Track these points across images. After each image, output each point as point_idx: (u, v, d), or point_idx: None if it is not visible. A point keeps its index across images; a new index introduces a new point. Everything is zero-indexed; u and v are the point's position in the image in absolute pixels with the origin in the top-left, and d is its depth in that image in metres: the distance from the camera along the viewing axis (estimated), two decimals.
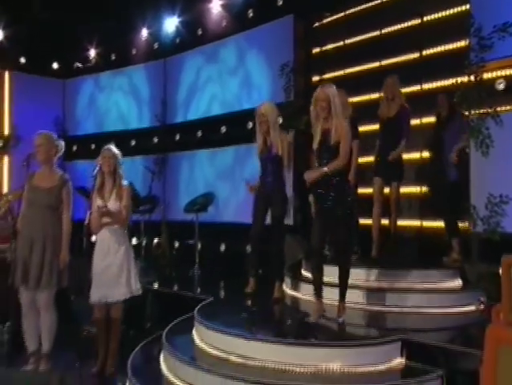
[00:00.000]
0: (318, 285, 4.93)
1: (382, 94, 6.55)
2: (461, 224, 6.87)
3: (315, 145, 4.80)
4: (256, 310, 5.59)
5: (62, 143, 5.39)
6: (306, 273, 6.27)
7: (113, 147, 5.31)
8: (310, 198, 5.63)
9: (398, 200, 6.48)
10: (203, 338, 4.74)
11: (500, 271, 5.74)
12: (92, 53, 11.56)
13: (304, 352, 4.28)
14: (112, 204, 5.02)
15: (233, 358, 4.32)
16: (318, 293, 4.85)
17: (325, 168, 4.60)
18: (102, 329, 5.09)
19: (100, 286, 4.89)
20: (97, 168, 5.24)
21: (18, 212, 7.29)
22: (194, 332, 4.95)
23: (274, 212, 5.82)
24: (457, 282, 5.96)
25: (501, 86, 6.28)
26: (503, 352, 3.06)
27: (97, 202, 5.06)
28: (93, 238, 5.39)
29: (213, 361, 4.36)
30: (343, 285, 4.92)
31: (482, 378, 3.32)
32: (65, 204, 5.16)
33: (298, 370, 4.16)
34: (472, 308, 5.62)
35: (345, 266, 4.92)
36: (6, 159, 11.18)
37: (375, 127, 7.38)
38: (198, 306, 5.30)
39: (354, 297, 5.42)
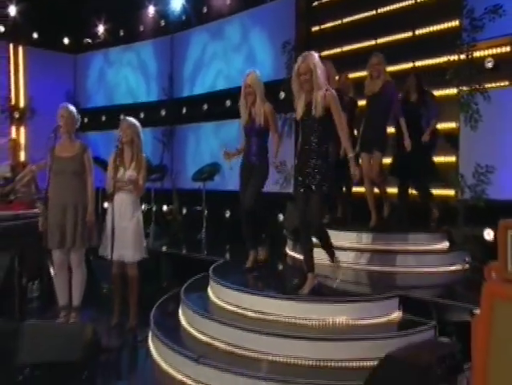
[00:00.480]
0: (308, 261, 4.74)
1: (367, 72, 6.22)
2: (447, 192, 7.00)
3: (298, 116, 4.56)
4: (264, 271, 5.69)
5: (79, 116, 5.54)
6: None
7: (131, 119, 5.45)
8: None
9: (381, 170, 6.18)
10: (218, 294, 4.95)
11: (484, 234, 6.14)
12: (101, 29, 11.38)
13: (312, 307, 4.45)
14: (131, 173, 5.15)
15: (247, 312, 4.52)
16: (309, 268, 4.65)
17: (351, 155, 4.45)
18: (119, 285, 5.27)
19: (117, 247, 4.96)
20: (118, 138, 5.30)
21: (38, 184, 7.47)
22: (209, 289, 5.17)
23: (253, 182, 5.45)
24: (445, 244, 6.12)
25: (489, 64, 6.33)
26: (497, 305, 3.06)
27: (118, 170, 5.12)
28: (105, 204, 5.58)
29: (228, 315, 4.56)
30: (325, 250, 4.90)
31: (477, 329, 3.45)
32: (87, 169, 5.33)
33: (307, 323, 4.34)
34: (458, 267, 5.88)
35: (316, 236, 4.74)
36: (22, 130, 11.13)
37: None
38: (212, 266, 5.48)
39: (353, 258, 5.71)
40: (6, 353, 4.66)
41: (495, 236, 6.17)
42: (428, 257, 5.98)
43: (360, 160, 6.10)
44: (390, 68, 7.20)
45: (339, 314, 4.42)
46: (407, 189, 6.66)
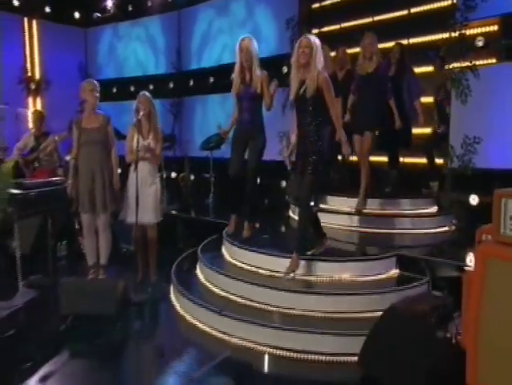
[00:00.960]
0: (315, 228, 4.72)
1: (360, 51, 5.89)
2: (437, 161, 7.07)
3: (292, 96, 4.41)
4: (273, 232, 5.95)
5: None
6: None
7: (147, 93, 5.46)
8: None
9: (368, 151, 5.85)
10: (232, 254, 5.13)
11: (470, 199, 6.27)
12: (110, 4, 11.22)
13: (321, 266, 4.64)
14: (149, 141, 5.29)
15: (259, 270, 4.72)
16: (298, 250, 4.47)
17: (343, 139, 4.36)
18: (140, 246, 5.41)
19: (138, 211, 5.09)
20: (135, 111, 5.37)
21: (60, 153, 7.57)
22: (223, 249, 5.34)
23: (253, 150, 5.23)
24: (434, 208, 6.42)
25: (480, 43, 6.32)
26: (490, 263, 3.20)
27: (138, 139, 5.19)
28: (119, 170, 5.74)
29: (242, 272, 4.76)
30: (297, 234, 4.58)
31: (470, 283, 3.58)
32: (111, 139, 5.42)
33: (317, 279, 4.58)
34: (446, 228, 6.12)
35: (301, 216, 4.59)
36: (38, 100, 11.08)
37: None
38: (226, 228, 5.54)
39: (352, 221, 5.83)
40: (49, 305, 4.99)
41: (480, 201, 6.39)
42: (418, 219, 6.14)
43: (354, 140, 5.84)
44: (386, 45, 7.31)
45: (344, 272, 4.63)
46: (396, 157, 6.64)
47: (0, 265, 5.65)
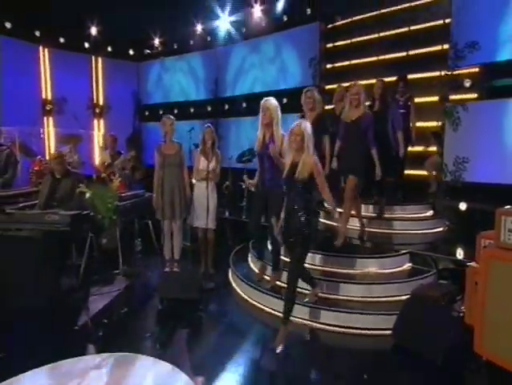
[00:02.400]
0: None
1: (348, 100, 5.26)
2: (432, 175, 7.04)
3: (284, 175, 3.90)
4: None
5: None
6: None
7: (211, 126, 5.63)
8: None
9: (353, 197, 5.26)
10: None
11: (459, 206, 6.50)
12: (157, 42, 11.31)
13: (351, 261, 4.90)
14: (213, 164, 5.44)
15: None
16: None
17: (332, 209, 3.94)
18: (202, 244, 5.62)
19: (201, 218, 5.39)
20: (201, 140, 5.55)
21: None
22: (269, 244, 5.25)
23: (272, 208, 4.55)
24: (430, 213, 6.49)
25: (467, 84, 6.53)
26: (492, 263, 3.57)
27: (202, 161, 5.45)
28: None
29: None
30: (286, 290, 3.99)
31: (471, 276, 3.96)
32: (183, 162, 5.59)
33: (348, 272, 4.82)
34: (440, 229, 6.30)
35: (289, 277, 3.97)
36: (102, 122, 11.35)
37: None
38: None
39: (369, 223, 5.84)
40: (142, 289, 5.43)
41: (467, 207, 6.53)
42: (417, 222, 6.28)
43: (342, 185, 5.41)
44: (387, 79, 7.09)
45: (368, 266, 4.91)
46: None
47: (95, 257, 5.82)
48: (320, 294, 4.50)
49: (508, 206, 3.69)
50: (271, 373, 3.58)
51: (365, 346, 4.03)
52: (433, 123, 7.28)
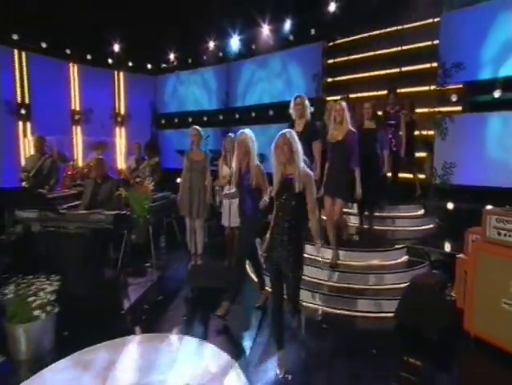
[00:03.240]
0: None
1: (331, 117, 4.96)
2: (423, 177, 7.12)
3: (274, 193, 3.25)
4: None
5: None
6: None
7: (232, 135, 5.44)
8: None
9: (341, 217, 5.04)
10: None
11: (447, 205, 6.70)
12: (173, 58, 11.42)
13: (359, 254, 5.06)
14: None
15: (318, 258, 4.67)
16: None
17: (318, 243, 3.27)
18: (230, 239, 5.61)
19: (228, 217, 5.40)
20: (223, 147, 5.61)
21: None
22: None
23: (242, 240, 4.35)
24: (421, 212, 6.63)
25: (454, 99, 6.78)
26: (480, 255, 3.81)
27: (225, 169, 5.49)
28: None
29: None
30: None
31: (461, 266, 4.16)
32: (207, 168, 5.66)
33: (356, 264, 4.98)
34: (430, 226, 6.45)
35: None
36: (123, 130, 11.50)
37: None
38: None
39: (366, 221, 5.77)
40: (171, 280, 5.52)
41: (454, 206, 6.73)
42: (410, 220, 6.43)
43: (325, 203, 4.97)
44: (380, 93, 7.53)
45: (373, 258, 5.07)
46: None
47: (127, 251, 5.88)
48: (331, 284, 4.71)
49: (491, 206, 3.97)
50: (294, 350, 3.66)
51: (372, 326, 4.24)
52: (424, 132, 7.34)
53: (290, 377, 3.20)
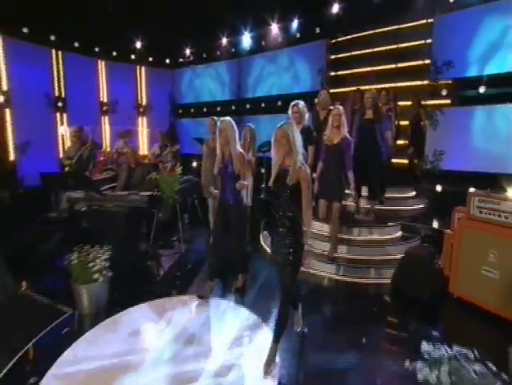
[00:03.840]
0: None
1: (330, 120, 4.77)
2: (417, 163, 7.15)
3: (271, 183, 3.01)
4: None
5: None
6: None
7: (252, 125, 5.79)
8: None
9: (338, 217, 4.85)
10: None
11: (436, 188, 6.87)
12: (188, 53, 11.52)
13: (359, 229, 5.27)
14: (250, 155, 5.55)
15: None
16: None
17: (307, 230, 2.95)
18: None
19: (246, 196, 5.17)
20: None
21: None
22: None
23: (233, 228, 4.09)
24: (413, 193, 6.79)
25: (444, 93, 6.92)
26: (464, 231, 4.08)
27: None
28: None
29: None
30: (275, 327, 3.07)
31: (450, 242, 4.34)
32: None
33: (358, 238, 5.21)
34: (422, 205, 6.61)
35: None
36: (145, 119, 11.62)
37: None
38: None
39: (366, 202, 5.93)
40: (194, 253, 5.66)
41: (442, 189, 6.89)
42: (404, 200, 6.58)
43: (320, 206, 4.94)
44: (379, 86, 7.42)
45: (373, 234, 5.29)
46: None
47: (156, 227, 5.97)
48: (336, 255, 4.93)
49: (474, 189, 4.18)
50: (303, 314, 3.65)
51: (373, 290, 4.54)
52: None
53: (305, 330, 3.44)
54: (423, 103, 7.14)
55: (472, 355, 2.12)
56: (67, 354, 3.16)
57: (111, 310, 3.89)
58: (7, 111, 8.41)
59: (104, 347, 3.26)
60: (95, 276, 3.83)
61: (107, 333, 3.50)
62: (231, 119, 3.97)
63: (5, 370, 2.94)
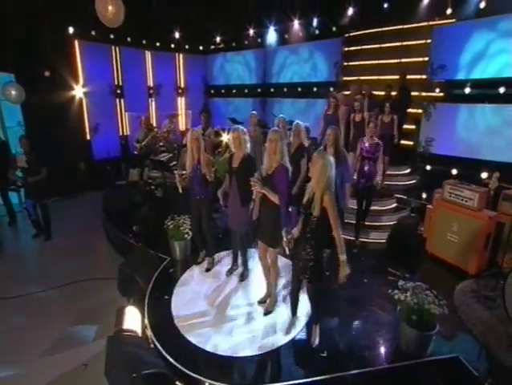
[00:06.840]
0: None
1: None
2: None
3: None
4: None
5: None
6: None
7: (285, 117, 5.52)
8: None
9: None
10: None
11: (426, 167, 7.53)
12: (218, 40, 11.91)
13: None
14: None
15: None
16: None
17: (343, 259, 2.92)
18: None
19: None
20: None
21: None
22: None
23: (205, 218, 4.56)
24: (408, 171, 7.55)
25: (437, 90, 7.53)
26: (439, 208, 4.98)
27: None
28: None
29: None
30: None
31: (430, 215, 5.28)
32: (260, 141, 6.08)
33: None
34: (414, 181, 7.38)
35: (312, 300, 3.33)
36: (183, 100, 12.32)
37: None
38: None
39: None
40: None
41: (431, 168, 7.50)
42: (400, 176, 7.31)
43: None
44: (385, 77, 8.33)
45: (374, 205, 5.78)
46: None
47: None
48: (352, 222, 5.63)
49: (455, 171, 5.14)
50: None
51: (375, 247, 5.61)
52: (415, 110, 8.03)
53: (325, 354, 3.37)
54: (424, 94, 7.76)
55: (426, 287, 3.50)
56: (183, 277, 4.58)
57: (192, 257, 5.22)
58: (84, 101, 9.68)
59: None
60: (185, 236, 5.28)
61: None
62: (199, 130, 4.70)
63: (148, 291, 4.40)
